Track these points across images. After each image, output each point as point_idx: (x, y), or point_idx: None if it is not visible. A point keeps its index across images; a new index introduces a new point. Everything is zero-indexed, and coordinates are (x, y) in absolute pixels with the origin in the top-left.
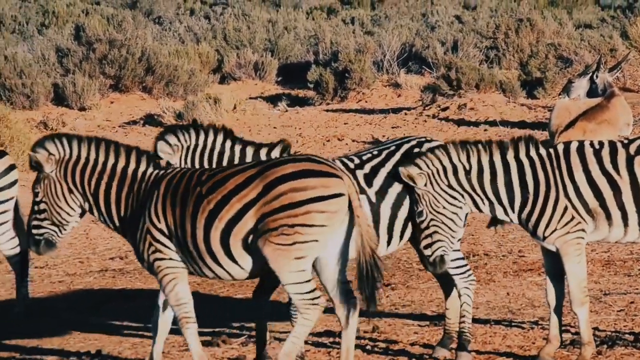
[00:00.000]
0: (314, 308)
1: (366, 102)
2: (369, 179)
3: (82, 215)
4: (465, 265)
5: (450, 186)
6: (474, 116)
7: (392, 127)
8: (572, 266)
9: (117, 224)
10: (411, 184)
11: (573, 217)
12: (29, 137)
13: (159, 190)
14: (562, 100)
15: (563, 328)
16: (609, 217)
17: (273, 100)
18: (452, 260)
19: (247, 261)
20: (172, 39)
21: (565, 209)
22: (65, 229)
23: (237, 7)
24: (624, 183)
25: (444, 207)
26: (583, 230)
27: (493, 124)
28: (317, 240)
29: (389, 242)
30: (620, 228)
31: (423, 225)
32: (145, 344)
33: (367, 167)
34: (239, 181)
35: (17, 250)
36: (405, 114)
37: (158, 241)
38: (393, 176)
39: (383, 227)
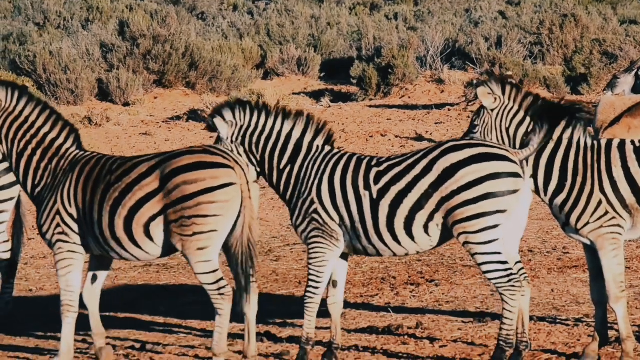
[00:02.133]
0: (221, 298)
1: (409, 97)
2: (379, 176)
3: None
4: (507, 269)
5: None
6: None
7: (436, 123)
8: (608, 261)
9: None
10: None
11: (607, 212)
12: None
13: (74, 174)
14: (607, 96)
15: (609, 325)
16: None
17: (316, 96)
18: (493, 263)
19: (149, 246)
20: (216, 35)
21: (600, 202)
22: None
23: (280, 2)
24: None
25: None
26: (619, 225)
27: None
28: (215, 230)
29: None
30: None
31: None
32: (189, 339)
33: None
34: (141, 171)
35: (9, 255)
36: (449, 109)
37: (66, 224)
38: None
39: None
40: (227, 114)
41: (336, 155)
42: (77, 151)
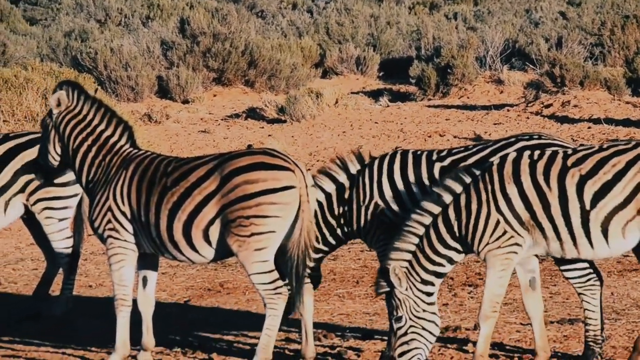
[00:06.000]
0: (277, 297)
1: (468, 98)
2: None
3: None
4: (582, 269)
5: None
6: (578, 114)
7: (494, 124)
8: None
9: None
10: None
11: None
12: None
13: (127, 172)
14: None
15: None
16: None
17: (375, 95)
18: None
19: (207, 250)
20: (275, 33)
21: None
22: None
23: (339, 1)
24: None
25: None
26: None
27: (597, 121)
28: (274, 231)
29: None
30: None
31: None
32: (248, 337)
33: (448, 160)
34: (200, 174)
35: (70, 251)
36: (508, 110)
37: (118, 221)
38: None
39: None
40: None
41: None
42: (131, 149)
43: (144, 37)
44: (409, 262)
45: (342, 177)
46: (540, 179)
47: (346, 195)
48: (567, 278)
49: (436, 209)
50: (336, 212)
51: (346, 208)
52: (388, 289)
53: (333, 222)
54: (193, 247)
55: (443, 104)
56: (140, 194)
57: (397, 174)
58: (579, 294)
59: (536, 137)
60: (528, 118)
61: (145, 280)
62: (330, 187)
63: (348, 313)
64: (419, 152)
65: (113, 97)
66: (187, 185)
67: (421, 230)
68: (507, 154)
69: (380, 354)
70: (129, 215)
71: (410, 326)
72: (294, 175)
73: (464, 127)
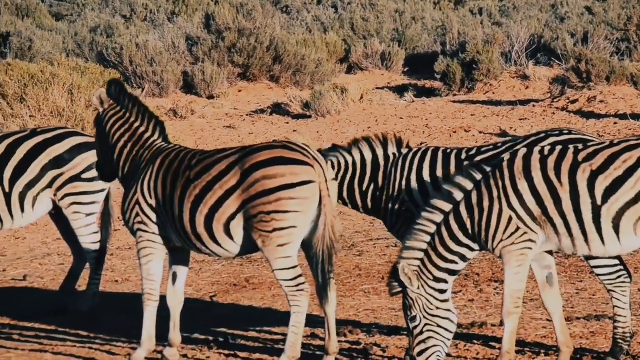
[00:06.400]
0: (300, 294)
1: (494, 93)
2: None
3: None
4: (612, 265)
5: None
6: (604, 109)
7: (520, 119)
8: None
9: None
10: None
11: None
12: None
13: (154, 165)
14: None
15: None
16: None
17: (400, 90)
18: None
19: (230, 244)
20: (300, 29)
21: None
22: None
23: None
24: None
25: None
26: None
27: (623, 117)
28: (295, 227)
29: None
30: None
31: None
32: (272, 332)
33: (477, 159)
34: (222, 168)
35: (97, 246)
36: (534, 106)
37: (145, 214)
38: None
39: None
40: None
41: (420, 150)
42: (161, 143)
43: (169, 32)
44: (421, 260)
45: (380, 153)
46: (551, 174)
47: (379, 177)
48: (597, 275)
49: (447, 207)
50: (364, 183)
51: (372, 187)
52: (401, 289)
53: (357, 189)
54: (216, 241)
55: (468, 99)
56: (165, 186)
57: (425, 171)
58: (609, 290)
59: (566, 132)
60: (554, 114)
61: (175, 276)
62: (368, 156)
63: (374, 309)
64: (448, 150)
65: (139, 92)
66: (209, 178)
67: (432, 228)
68: (517, 150)
69: (405, 350)
70: (155, 208)
71: (426, 324)
72: (313, 169)
73: (490, 123)
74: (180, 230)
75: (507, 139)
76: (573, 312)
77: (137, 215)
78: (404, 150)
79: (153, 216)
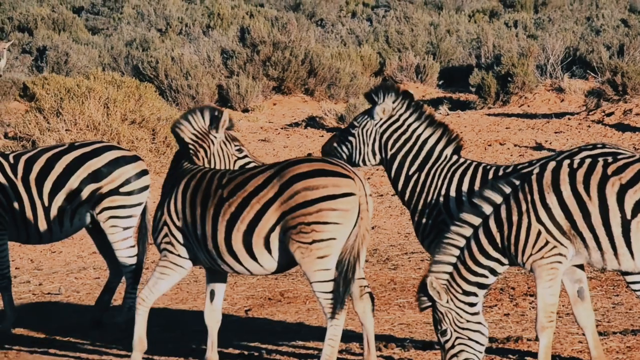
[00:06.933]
0: (337, 308)
1: (529, 106)
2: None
3: None
4: None
5: None
6: None
7: (555, 132)
8: (542, 290)
9: None
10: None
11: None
12: None
13: (179, 187)
14: None
15: None
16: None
17: (434, 103)
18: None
19: (266, 259)
20: (334, 42)
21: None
22: None
23: (399, 9)
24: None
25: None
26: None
27: None
28: (334, 238)
29: None
30: None
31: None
32: (306, 346)
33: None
34: (258, 183)
35: (134, 260)
36: (569, 119)
37: (173, 235)
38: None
39: None
40: (392, 97)
41: (463, 165)
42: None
43: (204, 46)
44: (450, 274)
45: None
46: (580, 188)
47: (420, 179)
48: (634, 290)
49: (476, 220)
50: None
51: (410, 190)
52: (430, 303)
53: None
54: (253, 256)
55: (503, 112)
56: (194, 207)
57: (465, 186)
58: None
59: (600, 146)
60: (589, 126)
61: (212, 294)
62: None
63: (408, 323)
64: (488, 167)
65: (174, 105)
66: (245, 195)
67: (462, 242)
68: (546, 164)
69: None
70: (183, 229)
71: (457, 338)
72: (354, 182)
73: (525, 136)
74: (213, 250)
75: (543, 155)
76: (609, 326)
77: (166, 235)
78: (454, 157)
79: (181, 237)
